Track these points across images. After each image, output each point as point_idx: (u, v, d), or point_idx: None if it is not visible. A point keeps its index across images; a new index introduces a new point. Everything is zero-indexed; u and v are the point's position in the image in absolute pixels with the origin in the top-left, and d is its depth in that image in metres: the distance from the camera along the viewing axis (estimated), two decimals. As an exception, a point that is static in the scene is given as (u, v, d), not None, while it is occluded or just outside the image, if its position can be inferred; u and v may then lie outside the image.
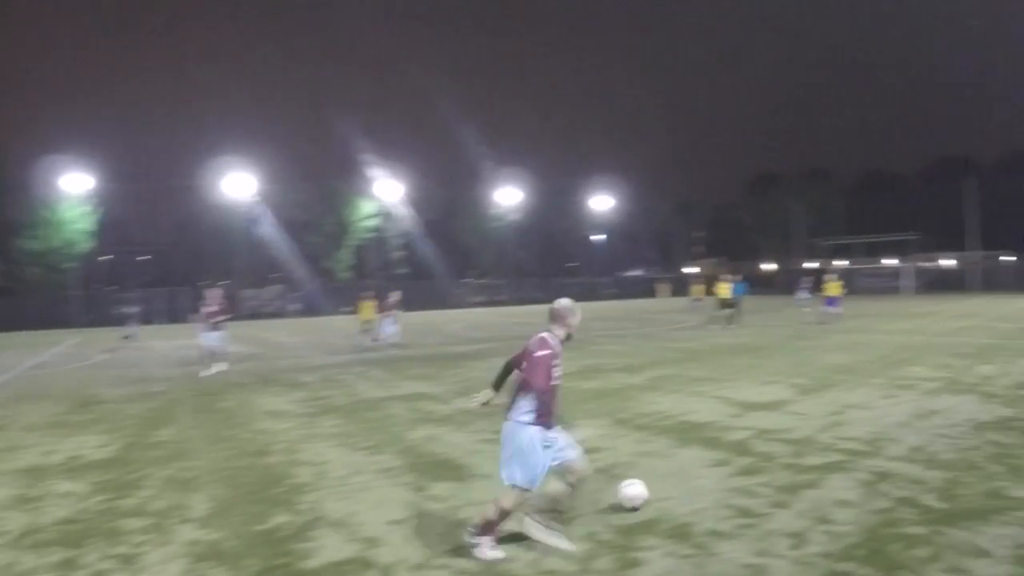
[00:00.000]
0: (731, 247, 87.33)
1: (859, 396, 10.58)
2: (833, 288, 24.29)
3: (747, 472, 6.54)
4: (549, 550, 4.71)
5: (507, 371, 4.84)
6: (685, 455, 7.28)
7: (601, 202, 70.80)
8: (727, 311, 23.73)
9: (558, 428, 4.66)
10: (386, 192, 58.49)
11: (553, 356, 4.55)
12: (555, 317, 4.80)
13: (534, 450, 4.46)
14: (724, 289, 24.01)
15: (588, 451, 7.83)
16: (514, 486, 4.52)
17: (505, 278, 64.99)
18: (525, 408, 4.53)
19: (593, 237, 76.50)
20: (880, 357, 15.30)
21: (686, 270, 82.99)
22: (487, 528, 4.59)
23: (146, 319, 38.77)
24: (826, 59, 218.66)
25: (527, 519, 4.83)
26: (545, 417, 4.49)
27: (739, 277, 25.64)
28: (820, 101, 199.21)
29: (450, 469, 6.98)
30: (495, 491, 5.02)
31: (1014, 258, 63.41)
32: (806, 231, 73.27)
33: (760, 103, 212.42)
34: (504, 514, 4.57)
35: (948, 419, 8.80)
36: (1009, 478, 6.24)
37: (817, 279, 27.18)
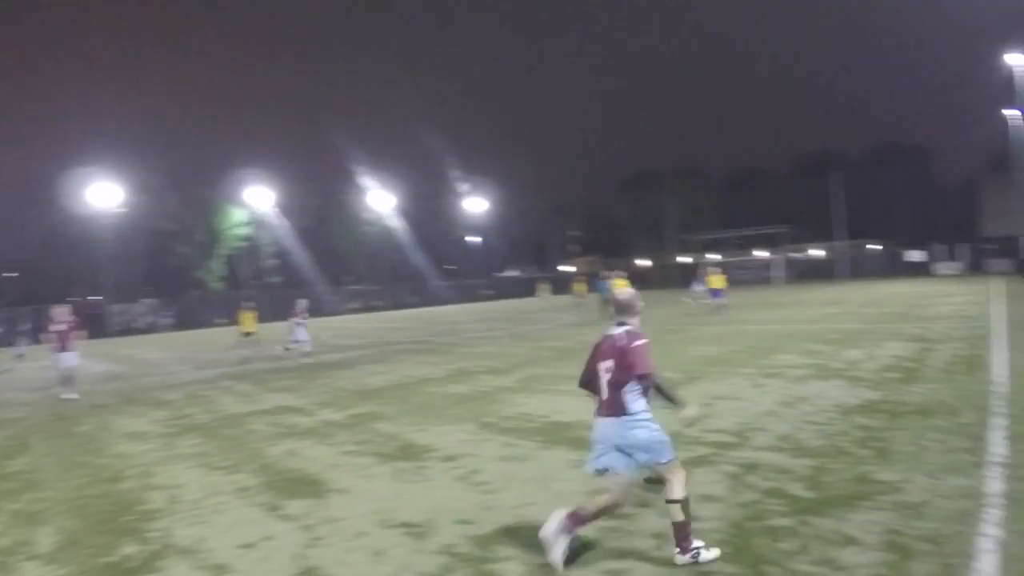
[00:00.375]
0: (606, 245, 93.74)
1: (728, 387, 11.22)
2: (717, 281, 27.14)
3: (612, 472, 6.61)
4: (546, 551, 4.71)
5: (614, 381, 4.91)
6: (549, 457, 7.52)
7: (475, 204, 74.96)
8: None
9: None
10: (257, 199, 60.35)
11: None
12: (628, 308, 5.13)
13: (652, 428, 4.76)
14: (619, 286, 25.09)
15: (450, 458, 7.71)
16: (668, 462, 4.74)
17: (380, 283, 67.84)
18: (632, 400, 4.80)
19: (468, 239, 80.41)
20: (749, 347, 16.21)
21: (562, 268, 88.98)
22: (684, 532, 4.66)
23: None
24: (699, 60, 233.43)
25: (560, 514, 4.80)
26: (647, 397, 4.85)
27: (611, 274, 26.82)
28: (693, 101, 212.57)
29: (307, 485, 7.17)
30: (562, 502, 5.02)
31: (879, 247, 70.77)
32: (679, 227, 78.86)
33: (635, 104, 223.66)
34: (684, 502, 4.68)
35: (816, 405, 9.34)
36: (876, 462, 6.58)
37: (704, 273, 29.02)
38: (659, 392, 4.93)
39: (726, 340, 17.87)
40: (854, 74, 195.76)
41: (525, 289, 73.99)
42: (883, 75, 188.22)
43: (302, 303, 20.75)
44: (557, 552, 4.63)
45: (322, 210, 70.99)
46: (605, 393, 4.90)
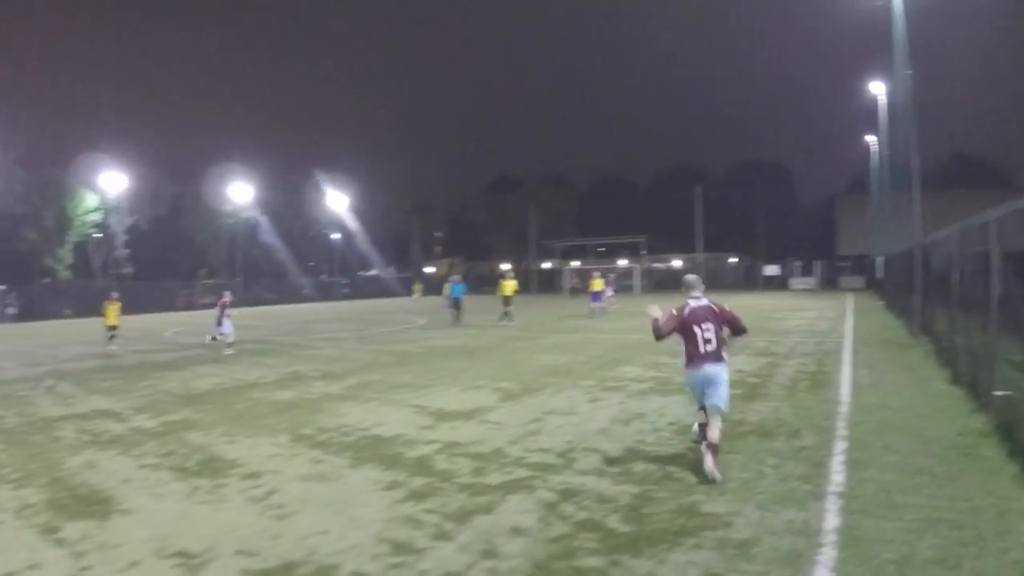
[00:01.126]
0: (468, 248, 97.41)
1: (564, 400, 10.92)
2: (596, 284, 30.98)
3: (419, 496, 6.45)
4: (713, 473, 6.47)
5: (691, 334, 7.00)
6: (356, 478, 7.18)
7: (337, 201, 74.89)
8: (507, 308, 26.66)
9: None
10: (110, 184, 56.95)
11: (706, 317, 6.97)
12: (696, 285, 7.28)
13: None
14: (507, 287, 27.02)
15: (251, 475, 7.40)
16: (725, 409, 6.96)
17: (237, 278, 66.09)
18: (722, 351, 6.94)
19: (330, 236, 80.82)
20: (595, 357, 16.02)
21: (427, 270, 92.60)
22: (715, 449, 6.65)
23: None
24: (569, 68, 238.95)
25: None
26: None
27: (458, 278, 27.09)
28: (561, 109, 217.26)
29: (94, 504, 6.72)
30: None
31: (736, 259, 74.70)
32: (540, 233, 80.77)
33: (502, 107, 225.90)
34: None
35: (652, 423, 9.05)
36: (706, 490, 6.22)
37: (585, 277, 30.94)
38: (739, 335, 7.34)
39: (574, 350, 17.69)
40: (724, 93, 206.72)
41: (385, 289, 75.88)
42: (753, 95, 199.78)
43: (228, 294, 21.25)
44: (715, 472, 6.44)
45: (179, 200, 70.54)
46: (712, 346, 6.86)
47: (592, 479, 6.70)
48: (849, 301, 36.40)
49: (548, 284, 75.04)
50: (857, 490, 6.06)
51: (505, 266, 74.44)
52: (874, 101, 33.84)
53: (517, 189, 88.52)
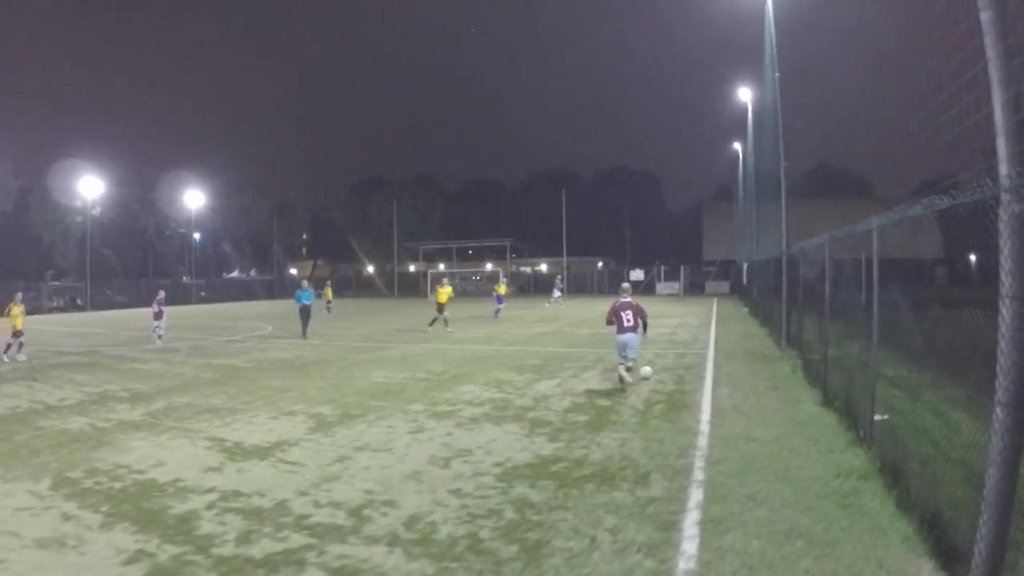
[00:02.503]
0: (331, 249, 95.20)
1: (382, 431, 9.34)
2: (501, 288, 33.91)
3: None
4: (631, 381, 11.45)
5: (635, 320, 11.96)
6: (99, 544, 5.64)
7: (194, 199, 70.85)
8: (441, 316, 25.36)
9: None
10: None
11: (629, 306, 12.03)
12: (627, 291, 12.68)
13: (639, 340, 12.10)
14: (443, 294, 25.85)
15: None
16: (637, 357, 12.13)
17: (87, 279, 60.90)
18: (637, 327, 11.86)
19: (187, 236, 76.94)
20: (435, 373, 14.46)
21: (291, 271, 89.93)
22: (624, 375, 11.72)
23: None
24: (441, 71, 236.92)
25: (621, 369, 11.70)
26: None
27: (307, 283, 24.79)
28: (432, 111, 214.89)
29: None
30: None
31: (603, 264, 75.41)
32: (406, 235, 79.39)
33: (373, 109, 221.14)
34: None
35: (475, 464, 7.53)
36: (518, 570, 4.70)
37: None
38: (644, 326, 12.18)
39: (416, 364, 16.09)
40: (598, 99, 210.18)
41: (244, 291, 73.42)
42: (626, 103, 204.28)
43: (162, 292, 23.94)
44: (627, 377, 11.68)
45: (25, 195, 67.04)
46: (630, 323, 11.77)
47: (380, 551, 5.22)
48: (714, 307, 36.40)
49: (413, 287, 73.17)
50: (714, 567, 4.68)
51: (439, 270, 72.71)
52: (744, 109, 33.97)
53: (383, 190, 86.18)
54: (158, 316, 22.97)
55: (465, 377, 13.78)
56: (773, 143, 19.55)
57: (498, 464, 7.46)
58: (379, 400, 11.56)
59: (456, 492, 6.57)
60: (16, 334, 19.29)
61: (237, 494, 6.76)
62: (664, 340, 20.00)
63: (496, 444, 8.32)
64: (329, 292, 41.06)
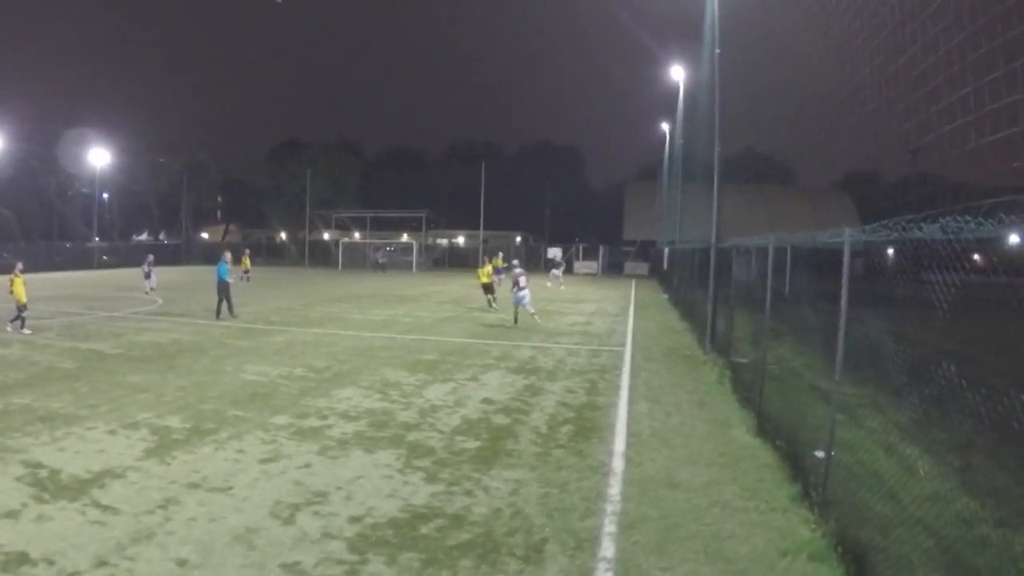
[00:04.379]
0: (244, 214, 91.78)
1: (230, 457, 7.64)
2: (497, 262, 29.96)
3: None
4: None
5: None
6: None
7: (99, 157, 65.83)
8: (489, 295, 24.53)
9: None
10: None
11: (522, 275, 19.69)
12: (518, 265, 20.56)
13: (529, 294, 19.59)
14: (483, 274, 24.87)
15: None
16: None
17: None
18: (527, 285, 19.41)
19: (97, 195, 70.69)
20: (317, 370, 12.68)
21: (203, 236, 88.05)
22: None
23: None
24: (366, 36, 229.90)
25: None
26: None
27: (228, 256, 22.18)
28: (353, 76, 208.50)
29: None
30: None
31: (519, 238, 74.41)
32: (322, 202, 76.48)
33: (295, 71, 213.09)
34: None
35: (327, 517, 5.93)
36: None
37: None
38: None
39: (298, 355, 14.25)
40: (525, 73, 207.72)
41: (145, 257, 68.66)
42: (553, 75, 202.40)
43: (151, 256, 28.55)
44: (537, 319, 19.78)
45: None
46: (524, 283, 19.25)
47: None
48: (632, 292, 35.25)
49: (325, 256, 70.41)
50: None
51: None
52: (675, 89, 32.68)
53: (298, 154, 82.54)
54: (147, 276, 28.37)
55: (348, 376, 12.00)
56: (705, 125, 18.32)
57: (355, 519, 5.79)
58: (241, 408, 9.75)
59: (291, 569, 4.92)
60: (21, 307, 17.96)
61: (21, 559, 5.09)
62: (578, 332, 18.54)
63: (360, 485, 6.64)
64: (247, 261, 39.88)
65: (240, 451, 7.78)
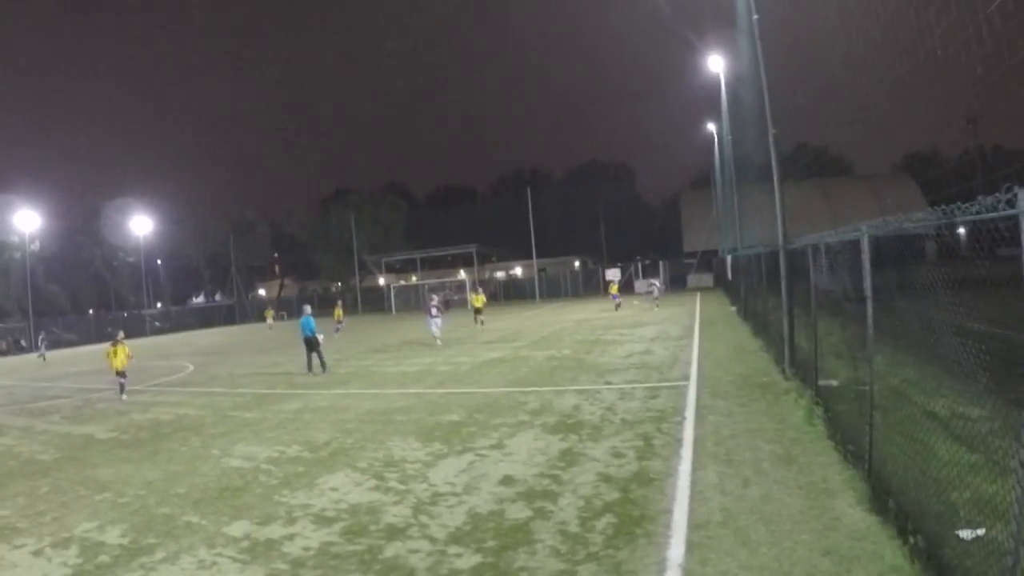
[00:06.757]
0: (295, 268, 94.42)
1: None
2: (613, 288, 38.94)
3: None
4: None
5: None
6: None
7: (141, 225, 67.09)
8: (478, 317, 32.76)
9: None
10: None
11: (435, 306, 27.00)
12: (436, 297, 29.66)
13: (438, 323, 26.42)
14: (478, 300, 33.76)
15: None
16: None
17: (30, 319, 57.93)
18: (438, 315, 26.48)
19: (142, 264, 71.82)
20: (314, 447, 10.66)
21: (260, 292, 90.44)
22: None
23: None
24: (405, 76, 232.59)
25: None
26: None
27: (308, 309, 21.41)
28: (396, 122, 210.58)
29: None
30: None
31: (580, 264, 72.09)
32: (371, 248, 75.78)
33: (339, 121, 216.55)
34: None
35: None
36: None
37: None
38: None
39: (301, 428, 12.21)
40: (564, 94, 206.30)
41: (201, 319, 69.49)
42: (593, 94, 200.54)
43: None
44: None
45: None
46: (436, 313, 26.35)
47: None
48: (697, 308, 32.45)
49: (379, 303, 69.11)
50: None
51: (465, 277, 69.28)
52: (716, 82, 30.06)
53: (345, 202, 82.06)
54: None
55: (346, 455, 9.78)
56: (754, 115, 15.95)
57: None
58: (199, 511, 7.78)
59: None
60: (120, 374, 18.42)
61: None
62: (634, 366, 15.91)
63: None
64: (339, 312, 39.72)
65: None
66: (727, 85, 27.52)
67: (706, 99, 38.48)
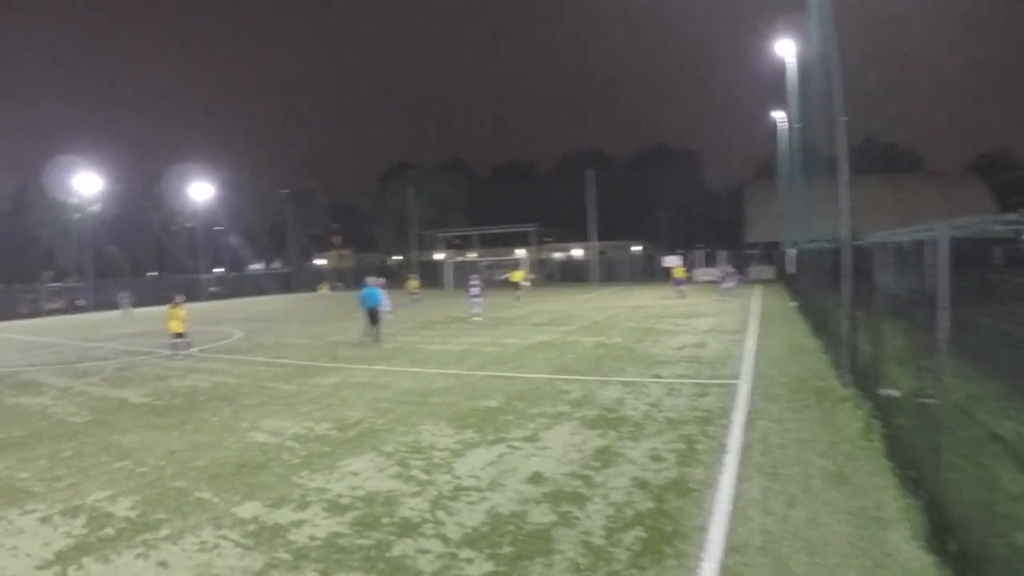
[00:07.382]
0: (353, 239, 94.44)
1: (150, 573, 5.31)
2: (678, 272, 38.30)
3: None
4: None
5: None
6: None
7: (201, 191, 67.54)
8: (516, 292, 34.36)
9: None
10: None
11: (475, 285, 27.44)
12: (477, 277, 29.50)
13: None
14: (516, 276, 34.35)
15: None
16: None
17: (90, 278, 59.25)
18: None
19: (199, 229, 73.04)
20: (344, 425, 10.43)
21: (318, 262, 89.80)
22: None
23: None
24: (477, 51, 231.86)
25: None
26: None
27: (375, 280, 21.75)
28: (462, 96, 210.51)
29: None
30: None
31: (640, 248, 70.85)
32: (431, 223, 75.57)
33: (405, 94, 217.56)
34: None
35: None
36: None
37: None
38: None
39: (335, 404, 11.95)
40: (631, 76, 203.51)
41: (256, 287, 70.04)
42: (659, 80, 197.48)
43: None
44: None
45: (21, 193, 65.18)
46: (478, 292, 26.78)
47: None
48: (756, 301, 31.43)
49: (437, 278, 69.00)
50: None
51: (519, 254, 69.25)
52: (783, 69, 28.89)
53: (405, 176, 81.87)
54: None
55: (375, 437, 9.44)
56: (820, 104, 15.09)
57: None
58: (214, 487, 7.56)
59: None
60: (178, 335, 19.27)
61: None
62: (685, 359, 15.24)
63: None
64: (414, 283, 41.37)
65: (162, 564, 5.58)
66: (794, 71, 26.40)
67: (773, 86, 37.15)
